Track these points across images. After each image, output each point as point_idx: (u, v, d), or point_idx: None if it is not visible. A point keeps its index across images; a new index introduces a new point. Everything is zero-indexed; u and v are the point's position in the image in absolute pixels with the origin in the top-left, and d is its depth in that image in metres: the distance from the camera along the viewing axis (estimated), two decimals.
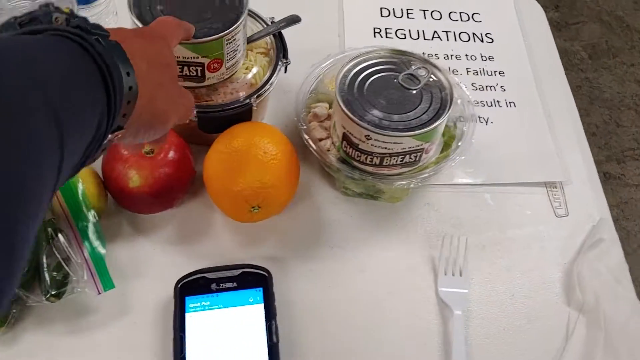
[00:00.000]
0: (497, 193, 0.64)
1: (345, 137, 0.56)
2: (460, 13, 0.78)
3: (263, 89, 0.59)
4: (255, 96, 0.59)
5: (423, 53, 0.73)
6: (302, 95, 0.63)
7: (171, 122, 0.41)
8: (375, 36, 0.74)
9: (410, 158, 0.55)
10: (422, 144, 0.54)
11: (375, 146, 0.54)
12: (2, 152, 0.23)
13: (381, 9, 0.77)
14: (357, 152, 0.56)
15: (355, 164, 0.57)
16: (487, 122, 0.68)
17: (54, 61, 0.28)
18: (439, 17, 0.77)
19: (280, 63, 0.61)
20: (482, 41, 0.76)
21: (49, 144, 0.25)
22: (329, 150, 0.60)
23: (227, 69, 0.57)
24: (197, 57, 0.54)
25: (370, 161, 0.56)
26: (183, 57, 0.54)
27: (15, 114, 0.23)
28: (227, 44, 0.55)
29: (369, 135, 0.53)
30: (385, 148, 0.54)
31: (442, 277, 0.58)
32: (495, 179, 0.64)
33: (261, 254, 0.58)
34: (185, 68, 0.55)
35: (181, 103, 0.42)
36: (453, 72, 0.72)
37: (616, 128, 1.92)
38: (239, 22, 0.55)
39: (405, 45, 0.73)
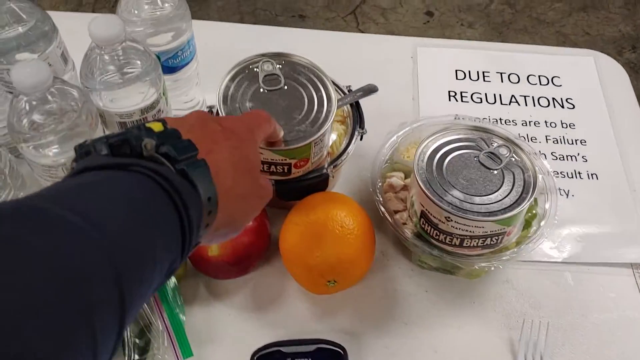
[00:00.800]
0: (579, 272, 0.61)
1: (423, 215, 0.55)
2: (539, 76, 0.76)
3: (340, 159, 0.60)
4: (332, 166, 0.59)
5: (500, 119, 0.72)
6: (378, 165, 0.63)
7: (247, 223, 0.41)
8: (450, 99, 0.73)
9: (491, 241, 0.54)
10: (504, 228, 0.53)
11: (456, 228, 0.53)
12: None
13: (456, 71, 0.76)
14: (435, 232, 0.55)
15: (434, 242, 0.56)
16: (567, 194, 0.66)
17: (132, 206, 0.28)
18: (516, 81, 0.76)
19: (357, 133, 0.61)
20: (562, 107, 0.73)
21: (111, 309, 0.24)
22: (405, 224, 0.59)
23: (312, 163, 0.57)
24: (285, 159, 0.54)
25: (449, 241, 0.54)
26: (270, 159, 0.54)
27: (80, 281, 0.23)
28: (315, 145, 0.54)
29: (449, 217, 0.52)
30: (466, 230, 0.53)
31: None
32: (577, 258, 0.61)
33: (335, 326, 0.57)
34: (272, 167, 0.55)
35: (259, 201, 0.42)
36: (531, 140, 0.70)
37: None
38: (327, 125, 0.54)
39: (482, 110, 0.72)
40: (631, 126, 0.73)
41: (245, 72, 0.57)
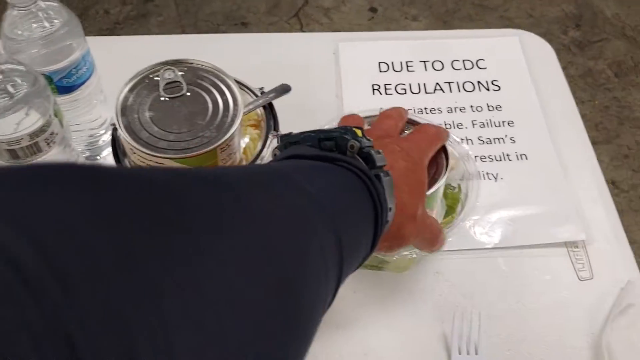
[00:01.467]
0: (512, 257, 0.59)
1: None
2: (463, 61, 0.75)
3: (255, 163, 0.57)
4: None
5: (425, 108, 0.70)
6: None
7: (410, 242, 0.43)
8: (374, 93, 0.71)
9: None
10: None
11: None
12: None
13: (379, 64, 0.74)
14: None
15: None
16: (496, 178, 0.64)
17: (345, 197, 0.31)
18: (440, 68, 0.74)
19: (270, 135, 0.59)
20: (487, 89, 0.72)
21: (334, 273, 0.27)
22: None
23: None
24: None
25: None
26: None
27: (309, 229, 0.26)
28: (221, 151, 0.51)
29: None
30: None
31: (456, 356, 0.53)
32: (509, 242, 0.60)
33: None
34: None
35: (427, 230, 0.45)
36: (457, 126, 0.68)
37: None
38: (232, 130, 0.51)
39: (406, 101, 0.70)
40: (559, 103, 0.72)
41: (145, 82, 0.55)
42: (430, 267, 0.59)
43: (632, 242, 1.77)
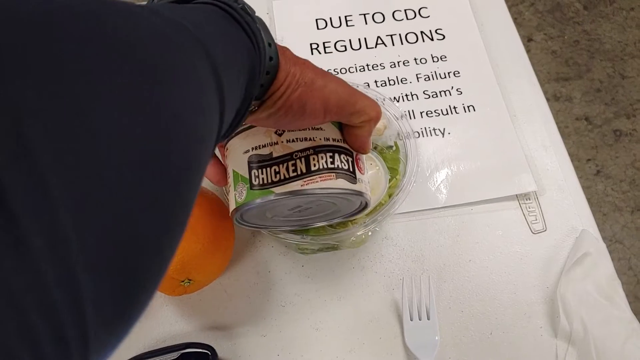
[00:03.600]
0: (461, 215, 0.57)
1: (251, 163, 0.40)
2: (405, 11, 0.70)
3: None
4: None
5: (367, 65, 0.66)
6: None
7: (332, 114, 0.35)
8: (312, 53, 0.67)
9: (341, 162, 0.39)
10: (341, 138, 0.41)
11: (292, 141, 0.39)
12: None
13: (317, 20, 0.70)
14: (274, 168, 0.39)
15: (280, 189, 0.39)
16: (443, 133, 0.61)
17: (211, 23, 0.28)
18: (381, 20, 0.70)
19: None
20: (432, 39, 0.68)
21: (211, 86, 0.24)
22: None
23: None
24: None
25: (294, 172, 0.39)
26: None
27: (181, 56, 0.23)
28: None
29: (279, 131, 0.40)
30: (305, 139, 0.39)
31: (408, 323, 0.52)
32: (458, 199, 0.57)
33: (206, 324, 0.52)
34: None
35: (363, 99, 0.36)
36: (401, 81, 0.64)
37: (621, 80, 1.80)
38: None
39: (347, 58, 0.66)
40: (507, 49, 0.68)
41: None
42: (379, 232, 0.57)
43: (607, 177, 1.76)
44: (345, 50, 0.67)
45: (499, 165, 0.59)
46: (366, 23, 0.69)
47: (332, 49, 0.67)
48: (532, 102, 0.64)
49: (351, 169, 0.39)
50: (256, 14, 0.32)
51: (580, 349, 0.50)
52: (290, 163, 0.38)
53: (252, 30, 0.30)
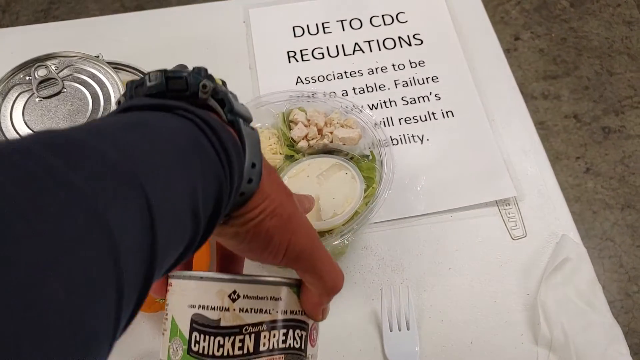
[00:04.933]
0: (441, 222, 0.57)
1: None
2: (382, 16, 0.70)
3: None
4: None
5: (345, 72, 0.66)
6: None
7: (289, 261, 0.32)
8: (290, 61, 0.66)
9: (294, 340, 0.35)
10: None
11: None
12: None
13: (294, 28, 0.69)
14: (217, 339, 0.34)
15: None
16: (422, 140, 0.60)
17: (166, 157, 0.25)
18: (359, 26, 0.69)
19: None
20: (409, 44, 0.67)
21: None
22: None
23: None
24: None
25: (239, 348, 0.34)
26: None
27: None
28: None
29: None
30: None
31: (387, 334, 0.51)
32: (437, 206, 0.57)
33: None
34: None
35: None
36: (379, 88, 0.64)
37: (609, 77, 1.81)
38: None
39: (324, 66, 0.66)
40: (486, 53, 0.68)
41: (17, 84, 0.50)
42: (359, 242, 0.56)
43: (596, 174, 1.75)
44: (323, 57, 0.67)
45: (478, 171, 0.58)
46: (343, 30, 0.69)
47: (309, 56, 0.67)
48: (512, 106, 0.63)
49: (303, 346, 0.35)
50: (250, 125, 0.29)
51: (562, 356, 0.50)
52: (237, 338, 0.33)
53: (226, 151, 0.27)
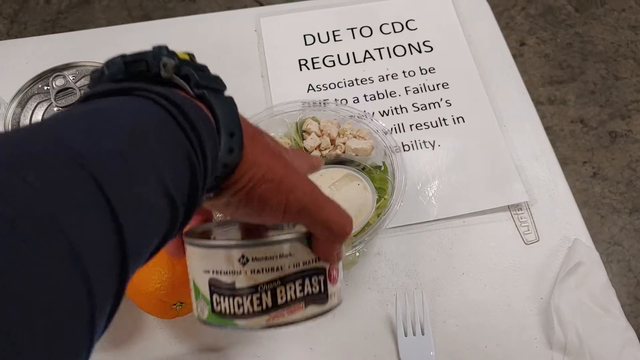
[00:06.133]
0: (454, 227, 0.57)
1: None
2: (392, 24, 0.71)
3: None
4: None
5: (355, 79, 0.66)
6: None
7: (291, 217, 0.31)
8: (301, 69, 0.67)
9: (312, 286, 0.35)
10: None
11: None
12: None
13: (305, 36, 0.70)
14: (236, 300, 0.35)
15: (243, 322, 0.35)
16: (433, 145, 0.61)
17: (124, 149, 0.23)
18: (369, 34, 0.70)
19: None
20: (419, 52, 0.68)
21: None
22: None
23: None
24: None
25: (258, 305, 0.35)
26: None
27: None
28: None
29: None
30: None
31: (402, 339, 0.51)
32: (450, 212, 0.57)
33: (198, 345, 0.52)
34: None
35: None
36: (390, 94, 0.65)
37: (615, 82, 1.81)
38: None
39: (335, 73, 0.67)
40: (495, 58, 0.68)
41: (35, 93, 0.50)
42: (372, 248, 0.57)
43: (604, 179, 1.76)
44: (334, 65, 0.67)
45: (490, 177, 0.59)
46: (354, 37, 0.70)
47: (320, 64, 0.68)
48: (522, 111, 0.64)
49: (323, 289, 0.35)
50: (225, 92, 0.29)
51: (576, 359, 0.50)
52: (255, 297, 0.33)
53: (196, 128, 0.26)
